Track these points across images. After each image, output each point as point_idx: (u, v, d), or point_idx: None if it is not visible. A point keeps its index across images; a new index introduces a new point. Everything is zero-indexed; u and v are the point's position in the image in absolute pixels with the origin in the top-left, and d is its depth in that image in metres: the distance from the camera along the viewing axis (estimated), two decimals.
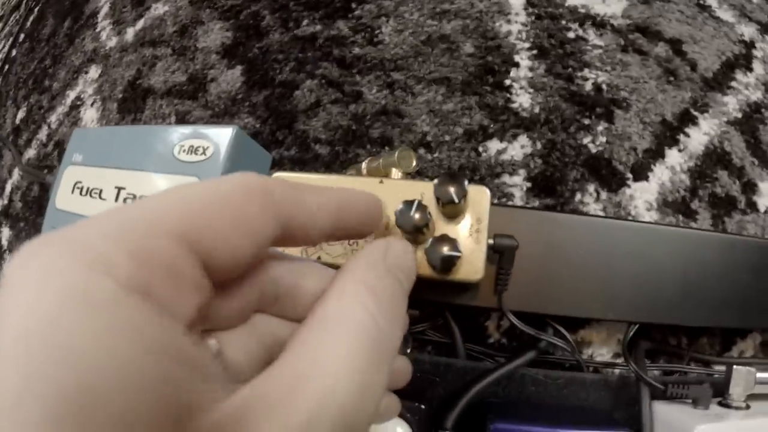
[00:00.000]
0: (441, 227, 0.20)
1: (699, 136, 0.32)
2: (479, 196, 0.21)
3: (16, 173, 0.48)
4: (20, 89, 0.53)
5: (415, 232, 0.19)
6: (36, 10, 0.59)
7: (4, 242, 0.46)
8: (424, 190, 0.21)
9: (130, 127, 0.30)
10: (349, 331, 0.11)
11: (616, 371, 0.28)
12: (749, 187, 0.32)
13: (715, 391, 0.25)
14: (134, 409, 0.08)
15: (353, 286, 0.12)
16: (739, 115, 0.34)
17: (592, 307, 0.25)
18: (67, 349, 0.08)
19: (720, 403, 0.25)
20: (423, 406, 0.21)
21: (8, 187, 0.48)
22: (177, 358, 0.09)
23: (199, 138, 0.26)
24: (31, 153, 0.47)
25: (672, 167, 0.31)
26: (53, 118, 0.47)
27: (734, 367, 0.24)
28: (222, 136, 0.26)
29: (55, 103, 0.47)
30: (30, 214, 0.45)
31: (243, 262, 0.11)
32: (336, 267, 0.13)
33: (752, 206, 0.32)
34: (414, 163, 0.23)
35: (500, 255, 0.23)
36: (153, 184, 0.27)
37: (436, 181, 0.20)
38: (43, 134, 0.47)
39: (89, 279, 0.08)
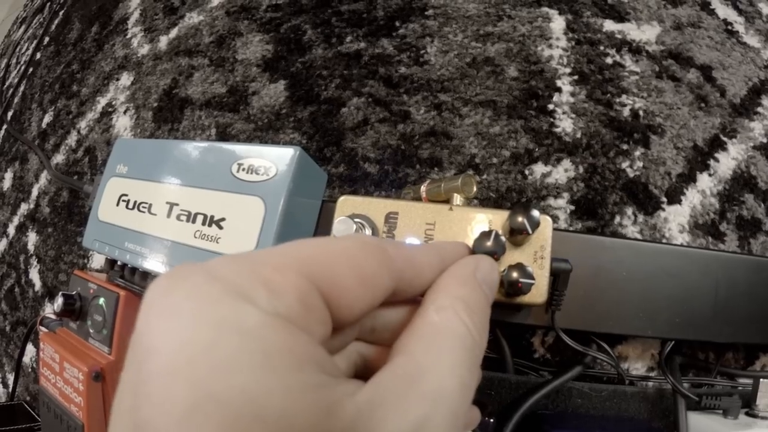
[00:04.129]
0: (509, 254, 0.22)
1: (728, 161, 0.34)
2: (543, 224, 0.22)
3: (44, 178, 0.48)
4: (46, 93, 0.52)
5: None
6: (61, 13, 0.58)
7: (31, 247, 0.46)
8: (493, 218, 0.22)
9: (179, 141, 0.30)
10: (451, 341, 0.12)
11: (650, 384, 0.29)
12: None
13: (743, 402, 0.27)
14: (295, 414, 0.09)
15: (451, 300, 0.13)
16: (765, 140, 0.35)
17: (634, 325, 0.27)
18: (230, 370, 0.09)
19: (747, 413, 0.27)
20: (491, 420, 0.23)
21: (35, 192, 0.48)
22: (320, 368, 0.10)
23: (260, 158, 0.27)
24: (59, 158, 0.47)
25: (703, 191, 0.33)
26: (83, 124, 0.46)
27: (761, 380, 0.26)
28: (284, 156, 0.26)
29: (84, 109, 0.47)
30: (59, 220, 0.45)
31: (360, 312, 0.12)
32: None
33: None
34: (475, 189, 0.24)
35: (555, 277, 0.24)
36: (211, 201, 0.28)
37: (509, 211, 0.21)
38: (72, 140, 0.47)
39: (237, 307, 0.09)
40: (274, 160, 0.27)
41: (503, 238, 0.20)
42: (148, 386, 0.09)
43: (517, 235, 0.21)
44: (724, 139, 0.34)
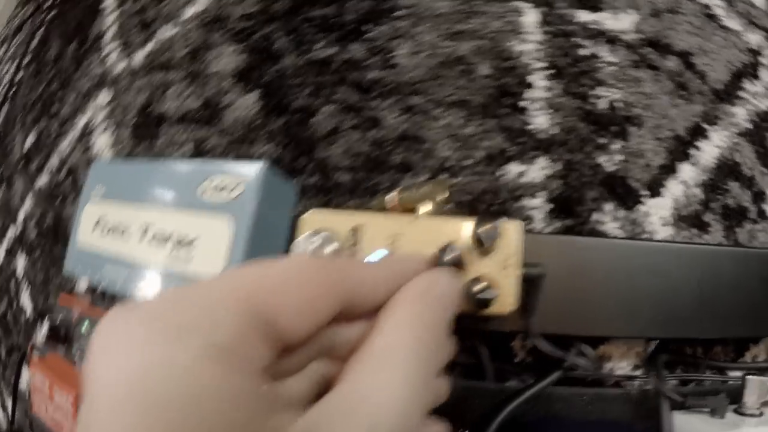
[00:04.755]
0: (475, 263, 0.21)
1: (710, 149, 0.33)
2: (512, 231, 0.21)
3: (29, 201, 0.48)
4: (29, 113, 0.52)
5: None
6: (41, 30, 0.58)
7: (20, 270, 0.47)
8: (458, 228, 0.22)
9: (152, 161, 0.30)
10: (396, 362, 0.12)
11: (636, 383, 0.29)
12: (759, 197, 0.33)
13: (731, 397, 0.27)
14: None
15: (399, 320, 0.13)
16: (749, 126, 0.34)
17: (615, 326, 0.26)
18: (160, 412, 0.09)
19: (736, 411, 0.26)
20: None
21: (21, 215, 0.48)
22: (256, 401, 0.10)
23: (226, 174, 0.27)
24: (43, 180, 0.47)
25: (685, 182, 0.32)
26: (64, 145, 0.47)
27: (748, 377, 0.25)
28: (250, 173, 0.26)
29: (65, 129, 0.47)
30: (46, 242, 0.45)
31: (305, 333, 0.12)
32: None
33: (762, 215, 0.33)
34: (447, 195, 0.24)
35: (529, 283, 0.24)
36: (182, 222, 0.28)
37: (473, 222, 0.20)
38: (54, 161, 0.47)
39: (170, 348, 0.10)
40: (241, 177, 0.26)
41: (459, 253, 0.19)
42: (91, 426, 0.09)
43: (481, 245, 0.21)
44: (706, 126, 0.33)
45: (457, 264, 0.20)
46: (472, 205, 0.30)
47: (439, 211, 0.24)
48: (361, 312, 0.14)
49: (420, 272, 0.16)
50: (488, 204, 0.30)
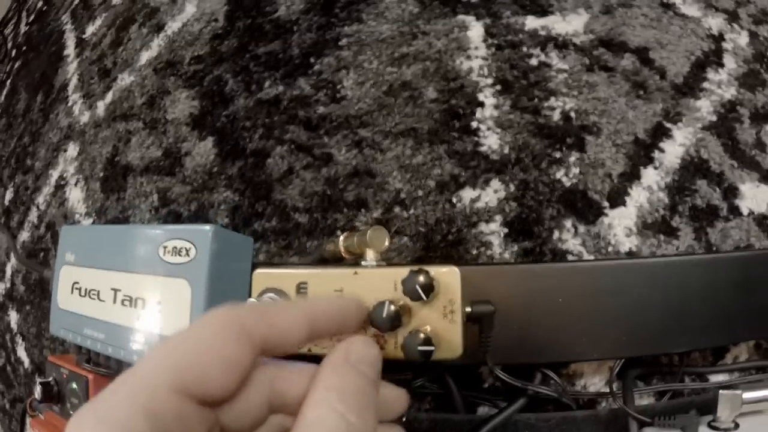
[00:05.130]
0: (416, 313, 0.21)
1: (674, 149, 0.32)
2: (449, 277, 0.21)
3: (14, 256, 0.49)
4: (4, 168, 0.53)
5: (392, 329, 0.20)
6: (8, 83, 0.59)
7: (14, 325, 0.48)
8: (397, 278, 0.22)
9: (116, 227, 0.31)
10: None
11: (609, 400, 0.29)
12: (730, 192, 0.32)
13: (707, 409, 0.26)
14: None
15: (321, 393, 0.14)
16: (714, 118, 0.33)
17: (576, 351, 0.26)
18: None
19: (710, 425, 0.26)
20: None
21: (8, 270, 0.50)
22: None
23: (179, 239, 0.27)
24: (25, 236, 0.48)
25: (649, 187, 0.31)
26: (41, 200, 0.48)
27: (720, 392, 0.25)
28: (201, 236, 0.26)
29: (40, 183, 0.48)
30: (34, 297, 0.46)
31: (232, 387, 0.14)
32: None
33: (735, 211, 0.32)
34: (387, 243, 0.24)
35: (479, 321, 0.23)
36: (146, 285, 0.28)
37: (404, 275, 0.20)
38: (33, 216, 0.48)
39: None
40: (192, 240, 0.27)
41: (394, 309, 0.19)
42: None
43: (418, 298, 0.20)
44: (669, 125, 0.32)
45: (395, 319, 0.20)
46: (427, 236, 0.29)
47: (383, 256, 0.24)
48: (279, 353, 0.15)
49: (343, 311, 0.17)
50: (444, 234, 0.29)
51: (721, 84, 0.34)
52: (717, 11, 0.36)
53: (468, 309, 0.22)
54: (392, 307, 0.20)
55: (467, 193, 0.30)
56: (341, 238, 0.25)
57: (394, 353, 0.21)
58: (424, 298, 0.19)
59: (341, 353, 0.15)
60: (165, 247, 0.28)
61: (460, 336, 0.21)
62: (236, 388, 0.14)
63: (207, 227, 0.26)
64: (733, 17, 0.36)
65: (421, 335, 0.20)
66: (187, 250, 0.27)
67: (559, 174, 0.30)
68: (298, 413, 0.15)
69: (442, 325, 0.21)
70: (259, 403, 0.15)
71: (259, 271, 0.25)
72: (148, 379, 0.13)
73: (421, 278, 0.20)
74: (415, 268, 0.20)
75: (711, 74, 0.34)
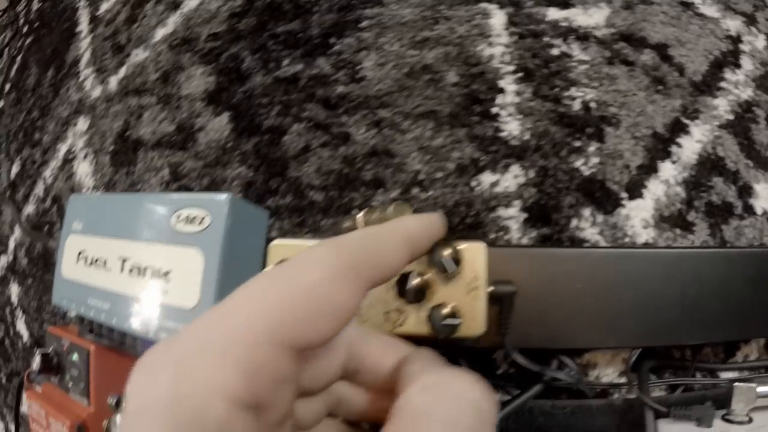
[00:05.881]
0: (440, 289, 0.21)
1: (691, 145, 0.32)
2: (475, 253, 0.21)
3: (18, 229, 0.48)
4: (12, 142, 0.53)
5: (416, 300, 0.20)
6: (18, 58, 0.58)
7: (15, 299, 0.47)
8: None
9: (126, 195, 0.30)
10: (442, 422, 0.11)
11: (623, 391, 0.28)
12: (745, 191, 0.32)
13: (720, 403, 0.26)
14: None
15: (435, 377, 0.12)
16: (731, 117, 0.33)
17: (594, 338, 0.26)
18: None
19: (723, 418, 0.26)
20: None
21: (12, 244, 0.49)
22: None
23: (194, 207, 0.27)
24: (30, 209, 0.48)
25: (666, 181, 0.31)
26: (48, 173, 0.47)
27: (735, 384, 0.25)
28: (216, 204, 0.26)
29: (47, 157, 0.47)
30: (37, 270, 0.46)
31: (330, 338, 0.12)
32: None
33: (749, 210, 0.32)
34: None
35: (500, 301, 0.23)
36: (156, 254, 0.28)
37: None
38: (39, 189, 0.47)
39: (207, 408, 0.09)
40: (208, 208, 0.26)
41: (419, 280, 0.19)
42: None
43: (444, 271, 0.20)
44: (686, 121, 0.32)
45: (420, 291, 0.20)
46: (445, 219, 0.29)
47: None
48: (384, 282, 0.13)
49: (423, 222, 0.16)
50: (462, 216, 0.29)
51: (738, 84, 0.34)
52: (735, 14, 0.36)
53: (491, 288, 0.22)
54: (418, 279, 0.19)
55: (487, 177, 0.30)
56: (360, 214, 0.25)
57: (415, 329, 0.21)
58: (455, 267, 0.19)
59: (429, 352, 0.14)
60: (178, 216, 0.27)
61: (483, 312, 0.21)
62: (333, 336, 0.12)
63: (224, 196, 0.26)
64: (751, 20, 0.37)
65: (447, 308, 0.20)
66: (201, 219, 0.26)
67: (579, 163, 0.30)
68: (374, 385, 0.14)
69: (465, 301, 0.21)
70: (338, 364, 0.14)
71: (276, 242, 0.24)
72: (246, 328, 0.10)
73: (449, 250, 0.19)
74: (442, 240, 0.20)
75: (728, 74, 0.34)
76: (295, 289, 0.11)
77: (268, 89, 0.35)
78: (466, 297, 0.21)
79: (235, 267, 0.27)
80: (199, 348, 0.10)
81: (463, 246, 0.20)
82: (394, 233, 0.14)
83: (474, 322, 0.21)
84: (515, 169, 0.30)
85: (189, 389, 0.10)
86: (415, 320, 0.21)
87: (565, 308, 0.25)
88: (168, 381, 0.10)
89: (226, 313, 0.11)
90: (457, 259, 0.19)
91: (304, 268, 0.12)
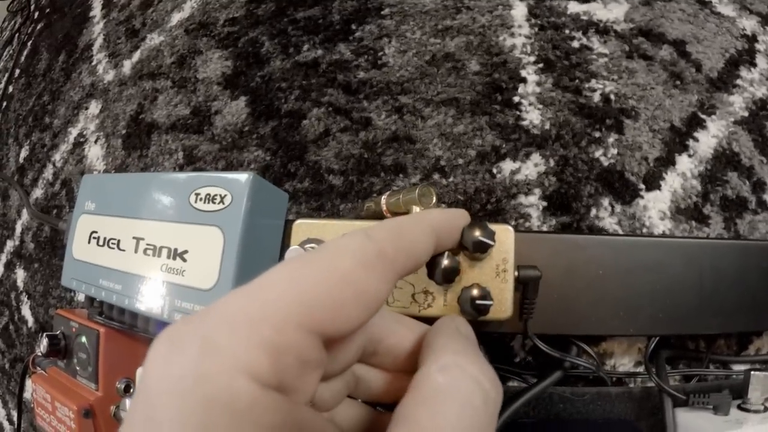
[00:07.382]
0: (468, 271, 0.21)
1: (708, 140, 0.32)
2: (504, 235, 0.21)
3: (26, 213, 0.48)
4: (21, 127, 0.52)
5: (445, 282, 0.19)
6: (29, 44, 0.58)
7: (20, 283, 0.47)
8: None
9: (141, 174, 0.30)
10: (459, 404, 0.11)
11: (638, 380, 0.28)
12: (759, 186, 0.32)
13: (735, 392, 0.26)
14: None
15: (454, 357, 0.12)
16: (746, 114, 0.34)
17: (614, 325, 0.26)
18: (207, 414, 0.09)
19: (740, 407, 0.26)
20: None
21: (18, 228, 0.48)
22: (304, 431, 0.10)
23: (215, 186, 0.26)
24: (38, 193, 0.47)
25: (683, 173, 0.31)
26: (57, 157, 0.46)
27: (752, 373, 0.25)
28: (238, 183, 0.26)
29: (57, 141, 0.47)
30: (44, 255, 0.45)
31: (358, 327, 0.11)
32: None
33: (762, 205, 0.32)
34: (434, 200, 0.24)
35: (525, 285, 0.23)
36: (173, 233, 0.27)
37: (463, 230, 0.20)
38: (48, 173, 0.47)
39: (232, 385, 0.09)
40: (229, 187, 0.26)
41: (451, 260, 0.19)
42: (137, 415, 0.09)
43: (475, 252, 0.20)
44: (703, 116, 0.33)
45: (451, 272, 0.19)
46: (466, 205, 0.29)
47: None
48: (412, 272, 0.13)
49: (448, 215, 0.16)
50: (483, 203, 0.29)
51: (753, 82, 0.35)
52: (751, 13, 0.37)
53: (515, 273, 0.22)
54: (450, 259, 0.19)
55: (507, 165, 0.30)
56: (384, 196, 0.25)
57: (443, 311, 0.21)
58: (492, 243, 0.19)
59: (453, 325, 0.14)
60: (197, 194, 0.27)
61: (511, 295, 0.21)
62: (361, 326, 0.11)
63: (246, 174, 0.26)
64: (766, 20, 0.37)
65: (478, 290, 0.19)
66: (222, 197, 0.26)
67: (598, 153, 0.31)
68: (389, 367, 0.14)
69: (494, 283, 0.21)
70: (358, 347, 0.13)
71: (300, 221, 0.24)
72: (274, 308, 0.10)
73: (482, 229, 0.19)
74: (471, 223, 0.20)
75: (744, 72, 0.35)
76: (327, 275, 0.11)
77: (288, 74, 0.35)
78: (495, 280, 0.21)
79: (255, 247, 0.26)
80: (226, 325, 0.10)
81: (494, 227, 0.20)
82: (422, 223, 0.14)
83: (502, 305, 0.21)
84: (536, 157, 0.30)
85: (216, 365, 0.09)
86: (443, 302, 0.21)
87: (585, 295, 0.25)
88: (194, 356, 0.09)
89: (255, 293, 0.10)
90: (492, 236, 0.19)
91: (337, 255, 0.11)
